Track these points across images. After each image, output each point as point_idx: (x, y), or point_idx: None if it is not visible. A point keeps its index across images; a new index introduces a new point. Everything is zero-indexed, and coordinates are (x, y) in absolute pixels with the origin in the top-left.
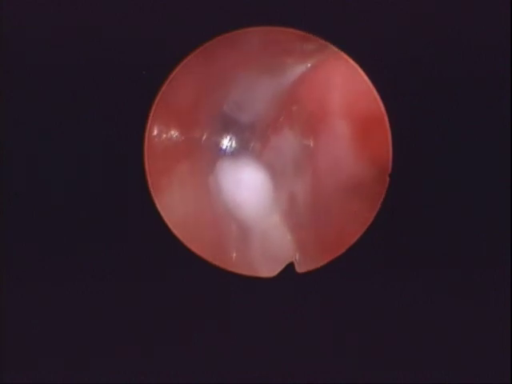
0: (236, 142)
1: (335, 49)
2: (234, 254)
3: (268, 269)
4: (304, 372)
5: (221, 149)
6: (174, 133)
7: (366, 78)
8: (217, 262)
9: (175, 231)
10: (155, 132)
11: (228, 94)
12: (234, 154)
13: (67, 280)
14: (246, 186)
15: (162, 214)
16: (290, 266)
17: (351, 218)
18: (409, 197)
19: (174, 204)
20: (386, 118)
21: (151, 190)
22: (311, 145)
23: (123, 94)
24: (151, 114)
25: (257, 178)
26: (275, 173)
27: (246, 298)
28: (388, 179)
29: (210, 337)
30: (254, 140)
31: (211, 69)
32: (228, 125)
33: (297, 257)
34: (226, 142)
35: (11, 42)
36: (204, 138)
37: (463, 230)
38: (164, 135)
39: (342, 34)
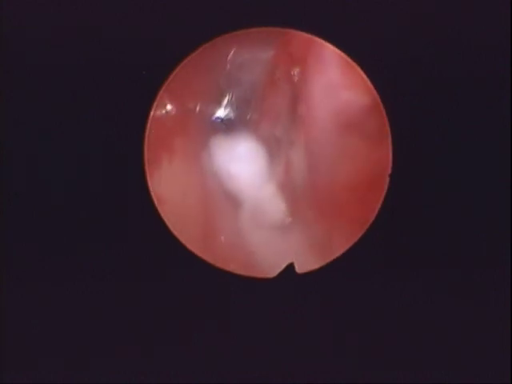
0: (232, 113)
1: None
2: (223, 237)
3: (258, 238)
4: (304, 372)
5: (216, 121)
6: (169, 107)
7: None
8: (204, 242)
9: (174, 231)
10: (157, 112)
11: (224, 69)
12: (230, 126)
13: (67, 280)
14: (241, 159)
15: (152, 191)
16: (290, 266)
17: (350, 163)
18: (409, 197)
19: (165, 180)
20: (387, 120)
21: (146, 164)
22: (304, 88)
23: (123, 94)
24: (154, 107)
25: (253, 150)
26: (272, 144)
27: (246, 298)
28: (388, 179)
29: (210, 337)
30: (251, 111)
31: (206, 55)
32: (224, 97)
33: (288, 221)
34: (222, 114)
35: (11, 42)
36: (198, 109)
37: (463, 230)
38: (160, 111)
39: (342, 34)
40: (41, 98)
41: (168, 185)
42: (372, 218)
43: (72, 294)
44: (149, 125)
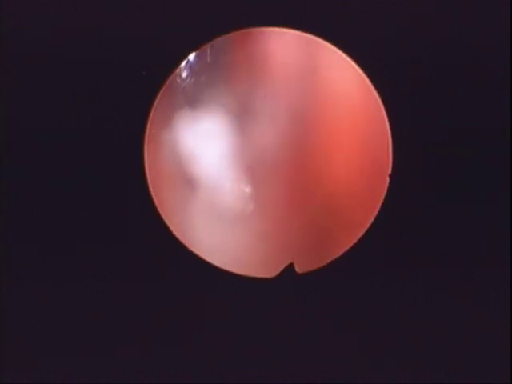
0: (196, 74)
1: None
2: (177, 217)
3: (210, 229)
4: (304, 372)
5: (178, 85)
6: None
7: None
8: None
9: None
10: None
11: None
12: (193, 94)
13: (67, 280)
14: (205, 134)
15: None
16: (289, 266)
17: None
18: (409, 197)
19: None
20: (387, 120)
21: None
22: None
23: (123, 93)
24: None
25: (219, 125)
26: (241, 117)
27: (246, 298)
28: (388, 179)
29: (210, 337)
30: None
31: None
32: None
33: (250, 209)
34: (184, 74)
35: (11, 42)
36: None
37: (463, 230)
38: None
39: (342, 34)
40: (41, 97)
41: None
42: (372, 218)
43: (72, 294)
44: (149, 125)
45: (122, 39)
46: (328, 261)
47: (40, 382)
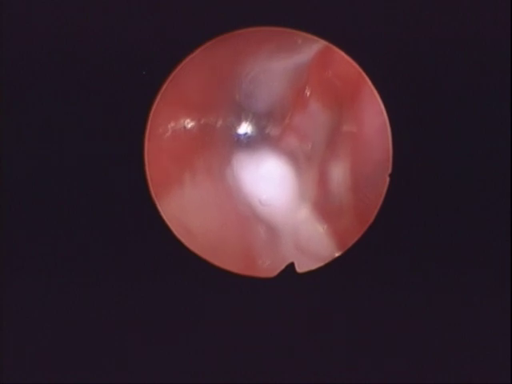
0: (253, 130)
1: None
2: (267, 263)
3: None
4: (304, 372)
5: (237, 140)
6: (183, 122)
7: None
8: (247, 273)
9: (178, 234)
10: (159, 127)
11: (239, 83)
12: (252, 144)
13: (67, 280)
14: (269, 179)
15: (170, 222)
16: (290, 266)
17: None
18: (409, 197)
19: (185, 208)
20: (387, 120)
21: (153, 192)
22: (342, 114)
23: (123, 93)
24: (153, 109)
25: (280, 169)
26: (299, 159)
27: (246, 298)
28: (388, 179)
29: (210, 337)
30: (272, 125)
31: (216, 63)
32: (242, 113)
33: (337, 255)
34: (242, 130)
35: (11, 42)
36: (219, 124)
37: (463, 229)
38: (169, 127)
39: (342, 34)
40: (41, 98)
41: (190, 209)
42: (372, 218)
43: (72, 294)
44: (147, 134)
45: (121, 39)
46: (328, 260)
47: (40, 382)
